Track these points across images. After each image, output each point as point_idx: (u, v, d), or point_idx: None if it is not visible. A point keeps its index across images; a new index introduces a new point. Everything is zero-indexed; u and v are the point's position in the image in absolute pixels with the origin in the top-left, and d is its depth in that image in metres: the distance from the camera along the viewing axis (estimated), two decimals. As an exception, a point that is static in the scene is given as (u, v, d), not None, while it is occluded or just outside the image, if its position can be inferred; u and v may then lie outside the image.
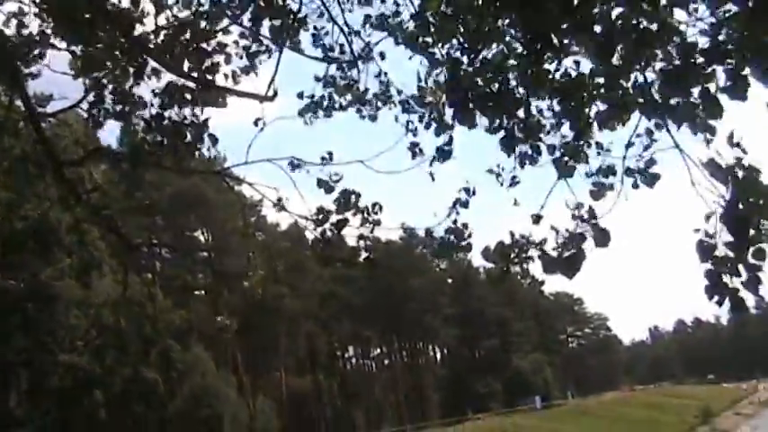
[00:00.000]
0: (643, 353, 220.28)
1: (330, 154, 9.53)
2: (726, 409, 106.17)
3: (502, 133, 6.93)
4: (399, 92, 9.59)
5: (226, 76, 9.76)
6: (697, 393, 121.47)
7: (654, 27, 5.94)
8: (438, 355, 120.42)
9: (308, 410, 74.35)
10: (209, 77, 9.63)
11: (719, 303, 5.39)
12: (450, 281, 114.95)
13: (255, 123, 9.70)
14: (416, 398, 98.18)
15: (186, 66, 9.60)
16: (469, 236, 8.40)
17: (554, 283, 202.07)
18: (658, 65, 6.08)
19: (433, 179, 8.63)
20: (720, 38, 5.86)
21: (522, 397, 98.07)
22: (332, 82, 9.88)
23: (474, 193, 8.30)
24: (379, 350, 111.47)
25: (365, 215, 9.50)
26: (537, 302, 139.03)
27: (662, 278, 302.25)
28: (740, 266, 5.33)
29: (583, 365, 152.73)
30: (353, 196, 9.41)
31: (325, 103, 9.93)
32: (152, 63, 9.64)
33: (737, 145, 5.49)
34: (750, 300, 5.39)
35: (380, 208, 9.52)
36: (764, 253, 5.28)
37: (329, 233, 9.55)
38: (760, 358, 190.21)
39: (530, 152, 7.30)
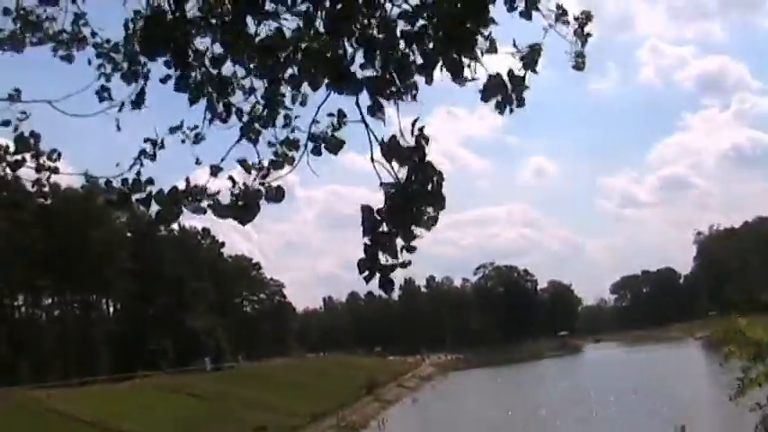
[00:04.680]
0: (316, 322, 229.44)
1: (18, 91, 9.10)
2: (390, 381, 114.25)
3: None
4: (94, 34, 9.17)
5: None
6: (365, 364, 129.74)
7: None
8: (111, 310, 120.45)
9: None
10: None
11: (367, 279, 5.76)
12: (129, 235, 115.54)
13: None
14: (86, 352, 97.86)
15: None
16: (151, 184, 7.82)
17: (234, 246, 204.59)
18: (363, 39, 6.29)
19: (119, 128, 8.69)
20: (420, 22, 6.28)
21: (193, 357, 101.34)
22: (24, 16, 9.15)
23: (162, 146, 8.07)
24: (50, 300, 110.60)
25: (40, 161, 9.23)
26: (215, 264, 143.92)
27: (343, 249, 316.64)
28: (397, 247, 5.70)
29: (256, 330, 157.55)
30: (32, 138, 9.14)
31: (15, 38, 9.21)
32: None
33: (420, 131, 5.82)
34: (416, 278, 6.96)
35: (59, 155, 9.32)
36: (414, 235, 5.72)
37: (5, 174, 9.36)
38: (426, 335, 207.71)
39: (220, 111, 7.32)
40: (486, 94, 6.95)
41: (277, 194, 6.68)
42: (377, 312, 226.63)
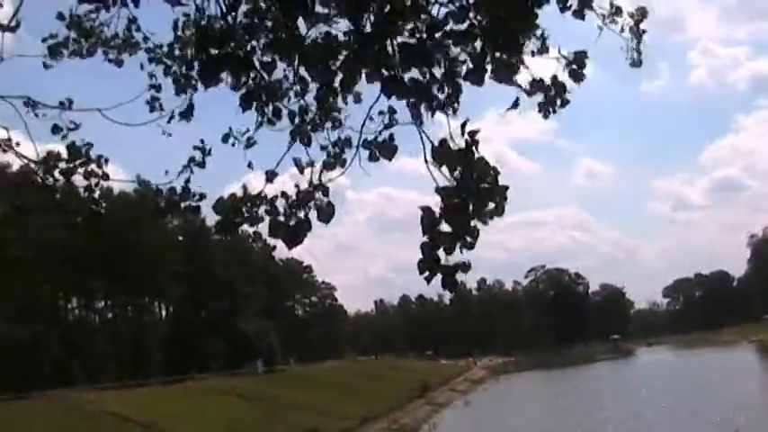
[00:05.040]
0: (367, 325, 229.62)
1: (70, 101, 9.23)
2: (442, 384, 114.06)
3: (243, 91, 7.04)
4: (146, 39, 9.23)
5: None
6: (416, 368, 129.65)
7: None
8: (164, 313, 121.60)
9: (24, 360, 74.90)
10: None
11: (428, 280, 5.68)
12: (181, 238, 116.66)
13: None
14: (139, 354, 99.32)
15: None
16: (199, 197, 8.23)
17: (285, 250, 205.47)
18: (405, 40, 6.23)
19: (170, 135, 8.87)
20: (466, 22, 6.20)
21: (245, 360, 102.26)
22: (77, 23, 9.21)
23: (209, 153, 8.23)
24: (104, 303, 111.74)
25: (89, 168, 9.24)
26: (267, 267, 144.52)
27: (393, 252, 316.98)
28: (456, 245, 5.65)
29: (307, 333, 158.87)
30: (84, 147, 9.17)
31: (72, 47, 9.34)
32: None
33: (471, 135, 5.73)
34: (467, 281, 7.01)
35: (106, 161, 9.32)
36: (478, 232, 5.68)
37: (58, 180, 9.38)
38: (477, 338, 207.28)
39: (270, 115, 7.36)
40: (529, 97, 7.12)
41: (329, 212, 6.58)
42: (428, 315, 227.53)
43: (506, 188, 5.77)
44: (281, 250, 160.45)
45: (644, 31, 7.96)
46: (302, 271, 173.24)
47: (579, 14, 7.08)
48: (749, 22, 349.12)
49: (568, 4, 6.99)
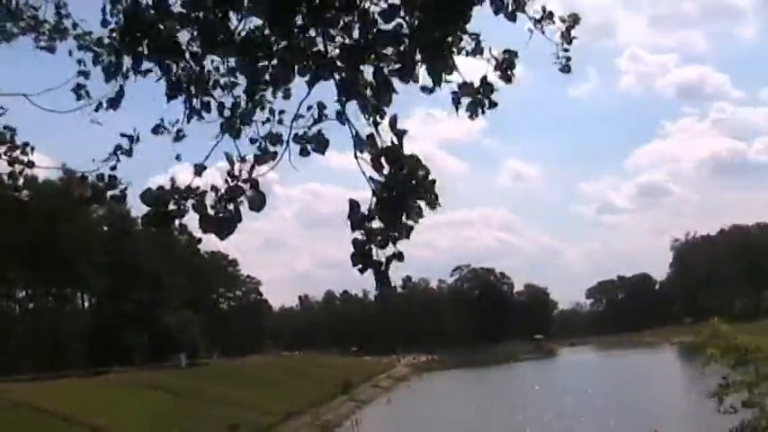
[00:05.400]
0: (291, 320, 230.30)
1: None
2: (365, 380, 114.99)
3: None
4: (75, 26, 9.07)
5: None
6: (340, 364, 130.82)
7: None
8: (86, 304, 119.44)
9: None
10: None
11: (362, 271, 5.73)
12: (105, 229, 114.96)
13: None
14: (60, 346, 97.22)
15: None
16: (125, 187, 8.14)
17: (211, 243, 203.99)
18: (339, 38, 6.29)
19: (100, 123, 8.47)
20: (396, 21, 6.25)
21: (168, 353, 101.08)
22: (6, 5, 9.11)
23: (137, 141, 8.08)
24: (24, 293, 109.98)
25: (13, 155, 9.11)
26: (192, 260, 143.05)
27: (320, 248, 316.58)
28: (389, 241, 5.69)
29: (232, 327, 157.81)
30: (9, 132, 9.04)
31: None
32: None
33: (400, 132, 5.76)
34: (395, 277, 5.77)
35: (32, 148, 9.17)
36: (411, 229, 5.71)
37: None
38: (401, 335, 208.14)
39: (199, 107, 7.27)
40: (457, 99, 7.14)
41: (259, 201, 6.43)
42: (353, 312, 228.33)
43: (434, 181, 5.77)
44: (207, 243, 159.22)
45: (574, 38, 7.97)
46: (227, 265, 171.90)
47: (511, 17, 7.10)
48: (678, 30, 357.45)
49: (504, 7, 7.00)
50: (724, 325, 8.82)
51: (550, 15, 7.71)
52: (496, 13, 6.97)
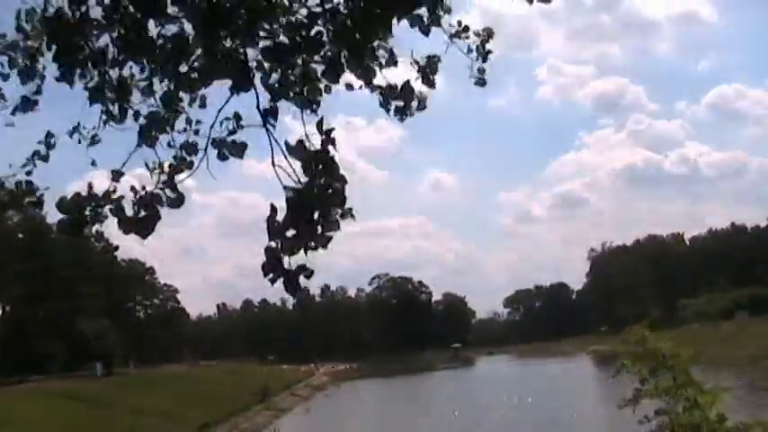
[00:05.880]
0: (209, 329, 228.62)
1: None
2: (283, 389, 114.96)
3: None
4: None
5: None
6: (258, 372, 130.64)
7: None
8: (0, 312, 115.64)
9: None
10: None
11: (272, 281, 5.64)
12: (21, 236, 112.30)
13: None
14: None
15: None
16: (41, 193, 7.84)
17: (129, 250, 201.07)
18: (265, 42, 6.28)
19: (13, 125, 8.08)
20: (319, 26, 6.24)
21: (84, 362, 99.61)
22: None
23: (53, 147, 7.86)
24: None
25: None
26: (109, 267, 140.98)
27: (238, 256, 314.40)
28: (299, 249, 5.62)
29: (149, 336, 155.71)
30: None
31: None
32: None
33: (327, 133, 5.77)
34: (313, 286, 6.76)
35: None
36: (329, 239, 5.65)
37: None
38: (320, 344, 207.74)
39: (116, 112, 7.12)
40: (386, 101, 7.13)
41: (178, 200, 6.43)
42: (271, 320, 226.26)
43: (343, 197, 5.74)
44: (124, 251, 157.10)
45: (489, 52, 8.07)
46: (145, 272, 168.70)
47: (426, 31, 7.16)
48: (596, 43, 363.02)
49: (423, 20, 7.06)
50: (647, 330, 9.09)
51: (466, 29, 7.83)
52: (411, 26, 7.00)
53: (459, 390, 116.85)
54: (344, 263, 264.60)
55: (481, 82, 8.23)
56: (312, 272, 5.64)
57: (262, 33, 6.28)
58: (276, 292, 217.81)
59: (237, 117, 6.66)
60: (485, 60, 8.14)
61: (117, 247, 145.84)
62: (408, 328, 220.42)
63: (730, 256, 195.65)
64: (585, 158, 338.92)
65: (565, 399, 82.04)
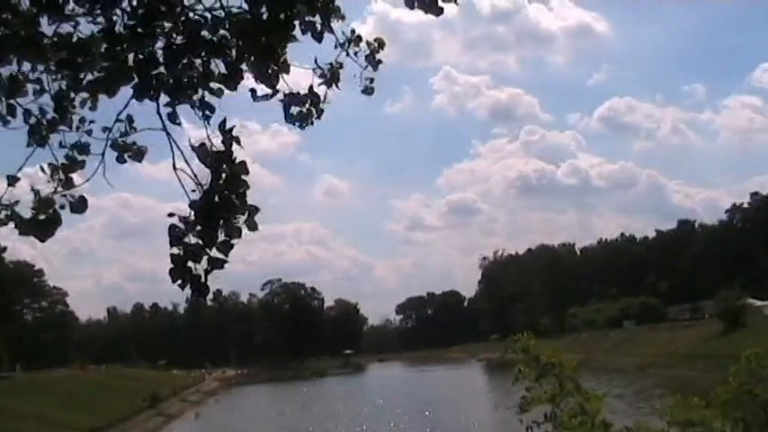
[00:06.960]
0: (99, 333, 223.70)
1: None
2: (173, 395, 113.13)
3: None
4: None
5: None
6: (148, 377, 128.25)
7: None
8: None
9: None
10: None
11: (182, 287, 5.61)
12: None
13: None
14: None
15: None
16: None
17: (17, 252, 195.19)
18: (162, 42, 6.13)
19: None
20: (222, 30, 6.20)
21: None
22: None
23: None
24: None
25: None
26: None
27: (129, 260, 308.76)
28: (203, 255, 5.59)
29: (36, 340, 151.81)
30: None
31: None
32: None
33: (229, 133, 5.74)
34: (210, 288, 5.49)
35: None
36: (231, 247, 5.63)
37: None
38: (211, 349, 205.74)
39: (4, 113, 6.72)
40: (288, 107, 7.08)
41: (81, 205, 6.17)
42: (162, 325, 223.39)
43: (245, 203, 5.71)
44: (13, 252, 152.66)
45: (380, 62, 8.00)
46: (33, 275, 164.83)
47: (318, 37, 7.09)
48: (491, 54, 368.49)
49: (316, 27, 6.96)
50: (531, 339, 9.27)
51: (358, 39, 7.78)
52: (304, 32, 6.94)
53: (347, 395, 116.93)
54: (237, 268, 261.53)
55: (369, 90, 8.13)
56: (223, 263, 5.63)
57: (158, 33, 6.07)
58: (167, 296, 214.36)
59: (130, 120, 6.49)
60: (375, 69, 8.05)
61: (5, 248, 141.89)
62: (300, 333, 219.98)
63: (620, 266, 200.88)
64: (479, 167, 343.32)
65: (456, 405, 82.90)
